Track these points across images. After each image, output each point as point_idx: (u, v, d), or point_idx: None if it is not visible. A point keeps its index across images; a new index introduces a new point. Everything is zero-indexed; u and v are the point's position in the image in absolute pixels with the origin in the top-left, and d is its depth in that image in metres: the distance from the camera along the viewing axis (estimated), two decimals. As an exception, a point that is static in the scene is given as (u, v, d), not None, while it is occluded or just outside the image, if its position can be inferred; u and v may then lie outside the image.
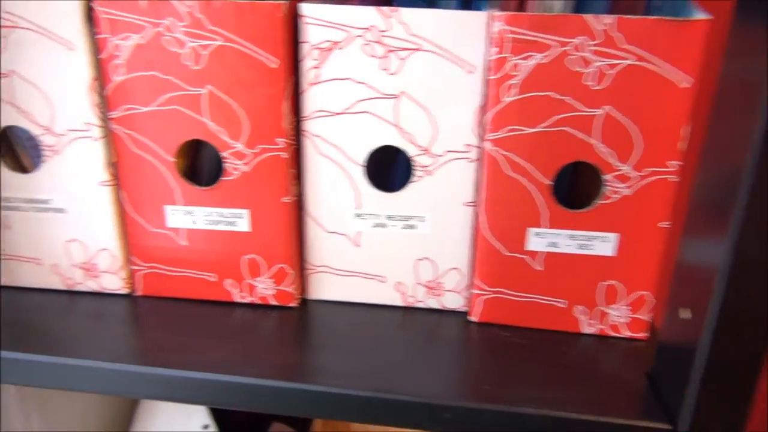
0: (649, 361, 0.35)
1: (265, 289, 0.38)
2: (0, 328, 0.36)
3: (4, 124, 0.35)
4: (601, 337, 0.37)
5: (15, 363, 0.34)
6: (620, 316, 0.36)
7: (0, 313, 0.37)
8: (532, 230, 0.34)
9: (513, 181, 0.33)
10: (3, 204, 0.37)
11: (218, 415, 0.58)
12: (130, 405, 0.64)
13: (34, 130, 0.35)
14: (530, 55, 0.30)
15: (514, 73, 0.31)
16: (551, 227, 0.34)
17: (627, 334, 0.37)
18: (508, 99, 0.31)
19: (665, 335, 0.32)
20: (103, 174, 0.36)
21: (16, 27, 0.33)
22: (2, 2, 0.32)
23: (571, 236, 0.34)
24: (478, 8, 0.33)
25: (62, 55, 0.33)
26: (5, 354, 0.34)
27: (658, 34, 0.29)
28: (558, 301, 0.36)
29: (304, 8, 0.32)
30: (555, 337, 0.37)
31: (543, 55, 0.30)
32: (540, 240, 0.35)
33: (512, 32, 0.30)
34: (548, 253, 0.35)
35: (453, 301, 0.39)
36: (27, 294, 0.40)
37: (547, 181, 0.33)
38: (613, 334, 0.37)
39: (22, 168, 0.37)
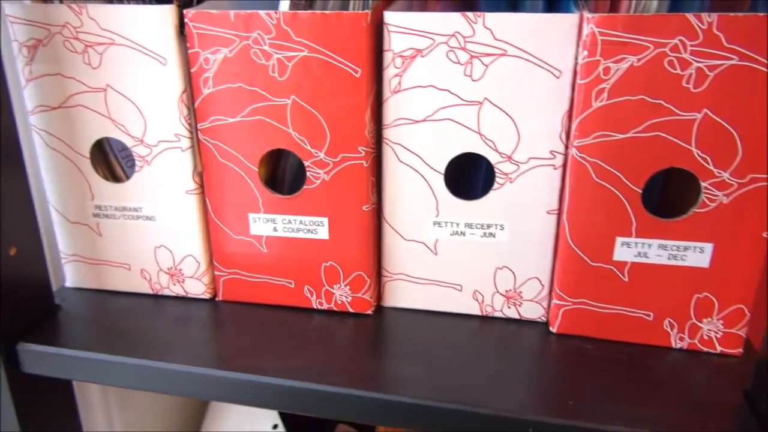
0: (744, 378, 0.33)
1: (342, 296, 0.39)
2: (83, 329, 0.38)
3: (99, 135, 0.37)
4: (691, 352, 0.35)
5: (102, 364, 0.36)
6: (713, 331, 0.35)
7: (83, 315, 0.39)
8: (620, 240, 0.33)
9: (601, 189, 0.32)
10: (96, 212, 0.39)
11: (286, 414, 0.59)
12: (203, 403, 0.66)
13: (128, 142, 0.37)
14: (623, 58, 0.29)
15: (606, 77, 0.30)
16: (640, 237, 0.33)
17: (720, 349, 0.35)
18: (598, 104, 0.30)
19: (766, 351, 0.30)
20: (190, 183, 0.37)
21: (113, 44, 0.34)
22: (100, 20, 0.34)
23: (661, 246, 0.33)
24: (565, 9, 0.32)
25: (155, 69, 0.34)
26: (94, 355, 0.36)
27: (763, 31, 0.28)
28: (645, 314, 0.35)
29: (389, 16, 0.32)
30: (641, 351, 0.35)
31: (637, 57, 0.29)
32: (628, 250, 0.33)
33: (605, 34, 0.29)
34: (636, 263, 0.34)
35: (532, 311, 0.38)
36: (115, 297, 0.41)
37: (638, 189, 0.32)
38: (704, 349, 0.35)
39: (114, 177, 0.39)
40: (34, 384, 0.38)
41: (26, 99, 0.37)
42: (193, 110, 0.36)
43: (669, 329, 0.35)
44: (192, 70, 0.34)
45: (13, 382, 0.37)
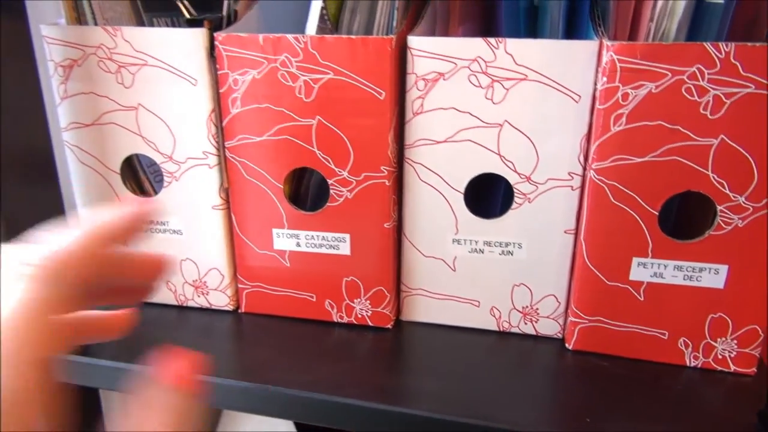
0: (758, 397, 0.34)
1: (362, 310, 0.40)
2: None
3: (130, 152, 0.38)
4: (705, 371, 0.36)
5: (129, 373, 0.37)
6: (727, 350, 0.35)
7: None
8: (637, 260, 0.34)
9: (618, 210, 0.33)
10: (124, 224, 0.40)
11: (302, 424, 0.60)
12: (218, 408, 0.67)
13: (157, 158, 0.38)
14: (642, 84, 0.30)
15: (624, 103, 0.31)
16: (656, 257, 0.34)
17: (733, 368, 0.35)
18: (616, 128, 0.31)
19: (782, 373, 0.31)
20: (216, 199, 0.38)
21: (145, 64, 0.36)
22: (134, 42, 0.35)
23: (677, 267, 0.33)
24: (584, 33, 0.33)
25: (186, 89, 0.36)
26: (121, 365, 0.37)
27: (778, 62, 0.29)
28: (660, 333, 0.35)
29: (413, 41, 0.33)
30: (656, 369, 0.36)
31: (656, 84, 0.30)
32: (644, 270, 0.34)
33: (624, 62, 0.30)
34: (652, 283, 0.34)
35: (548, 328, 0.38)
36: (143, 309, 0.43)
37: (654, 211, 0.33)
38: (718, 368, 0.36)
39: (142, 192, 0.40)
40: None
41: (60, 116, 0.38)
42: (221, 129, 0.37)
43: (684, 348, 0.35)
44: (221, 91, 0.36)
45: (44, 389, 0.38)
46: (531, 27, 0.37)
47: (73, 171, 0.40)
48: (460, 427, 0.32)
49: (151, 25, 0.40)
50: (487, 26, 0.39)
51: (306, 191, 0.40)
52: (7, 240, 0.34)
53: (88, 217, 0.21)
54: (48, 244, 0.20)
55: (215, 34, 0.34)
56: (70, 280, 0.20)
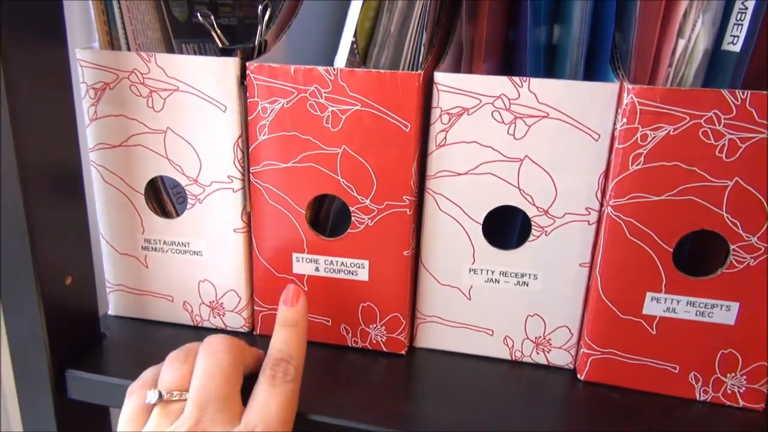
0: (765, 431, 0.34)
1: (377, 335, 0.40)
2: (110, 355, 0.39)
3: (155, 174, 0.39)
4: (714, 405, 0.37)
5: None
6: (736, 386, 0.36)
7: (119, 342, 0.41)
8: (650, 294, 0.35)
9: (633, 246, 0.34)
10: (145, 245, 0.41)
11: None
12: None
13: (183, 181, 0.39)
14: (660, 127, 0.31)
15: (643, 143, 0.32)
16: (670, 293, 0.35)
17: (742, 404, 0.36)
18: (634, 167, 0.33)
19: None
20: (238, 222, 0.39)
21: (177, 90, 0.37)
22: (167, 68, 0.36)
23: (690, 303, 0.34)
24: (604, 75, 0.34)
25: (215, 115, 0.37)
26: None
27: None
28: (671, 366, 0.36)
29: (439, 77, 0.34)
30: (666, 402, 0.37)
31: (674, 126, 0.31)
32: (657, 305, 0.35)
33: (644, 104, 0.31)
34: (664, 318, 0.35)
35: (560, 358, 0.39)
36: (157, 327, 0.43)
37: (669, 248, 0.34)
38: (727, 402, 0.36)
39: (164, 213, 0.41)
40: (76, 409, 0.40)
41: (88, 137, 0.39)
42: (247, 154, 0.38)
43: (694, 382, 0.36)
44: (249, 118, 0.36)
45: (58, 407, 0.38)
46: (549, 65, 0.39)
47: (97, 190, 0.40)
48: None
49: (180, 50, 0.41)
50: (508, 63, 0.41)
51: (326, 217, 0.40)
52: (33, 255, 0.35)
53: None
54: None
55: (247, 64, 0.35)
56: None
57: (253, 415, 0.32)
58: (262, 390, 0.33)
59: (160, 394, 0.31)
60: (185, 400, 0.31)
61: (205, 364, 0.32)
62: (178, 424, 0.30)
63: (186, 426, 0.30)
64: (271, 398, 0.32)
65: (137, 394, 0.33)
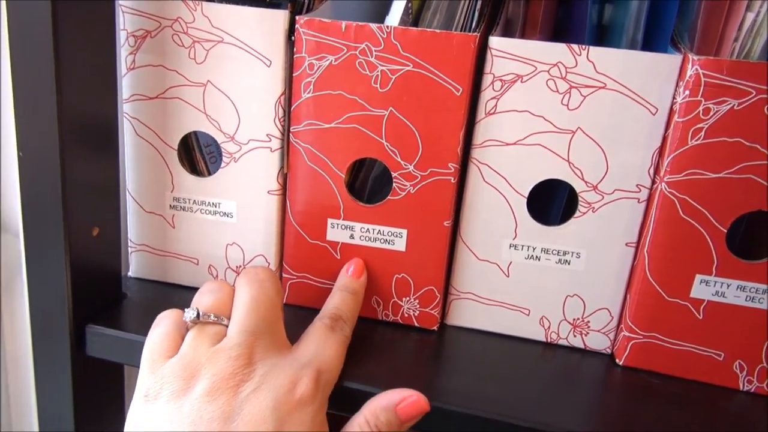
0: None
1: (409, 309, 0.39)
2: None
3: (191, 129, 0.38)
4: (758, 396, 0.35)
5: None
6: (780, 377, 0.35)
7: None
8: (699, 277, 0.34)
9: (686, 225, 0.33)
10: (173, 203, 0.39)
11: None
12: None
13: (219, 138, 0.37)
14: (725, 101, 0.30)
15: (705, 118, 0.31)
16: (720, 276, 0.33)
17: (786, 396, 0.35)
18: (693, 142, 0.32)
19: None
20: (274, 183, 0.38)
21: (221, 42, 0.35)
22: (213, 18, 0.35)
23: (740, 287, 0.33)
24: (663, 50, 0.33)
25: (258, 70, 0.36)
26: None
27: None
28: (716, 353, 0.35)
29: (495, 42, 0.33)
30: (708, 391, 0.36)
31: (738, 101, 0.30)
32: (706, 288, 0.34)
33: (709, 76, 0.30)
34: (712, 302, 0.34)
35: (598, 342, 0.38)
36: (178, 291, 0.41)
37: (723, 228, 0.33)
38: (770, 394, 0.35)
39: (195, 172, 0.40)
40: (92, 367, 0.38)
41: (124, 87, 0.38)
42: (288, 113, 0.36)
43: (738, 371, 0.35)
44: (295, 74, 0.35)
45: (76, 364, 0.36)
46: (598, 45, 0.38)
47: (128, 144, 0.39)
48: (516, 430, 0.31)
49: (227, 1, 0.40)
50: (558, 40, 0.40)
51: (363, 184, 0.39)
52: (63, 202, 0.33)
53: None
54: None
55: (297, 18, 0.34)
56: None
57: (307, 352, 0.31)
58: (318, 333, 0.32)
59: (198, 313, 0.30)
60: (224, 325, 0.30)
61: (251, 291, 0.31)
62: (223, 347, 0.29)
63: (237, 350, 0.28)
64: (327, 341, 0.31)
65: (168, 318, 0.31)
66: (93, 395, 0.39)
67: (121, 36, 0.37)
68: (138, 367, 0.31)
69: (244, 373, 0.29)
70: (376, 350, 0.37)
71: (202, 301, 0.32)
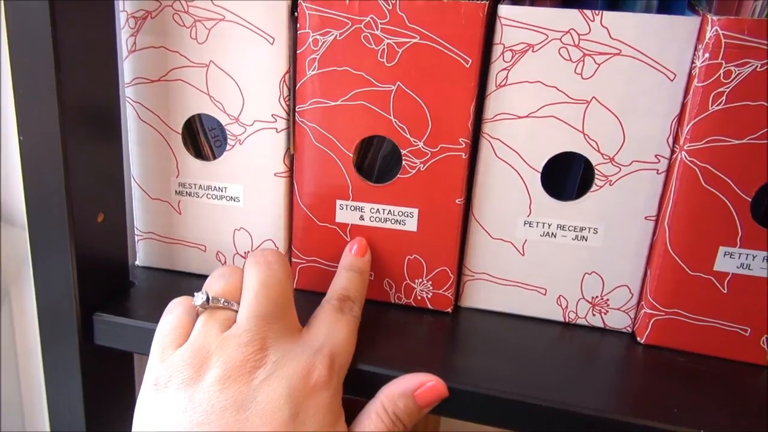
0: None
1: (422, 291, 0.38)
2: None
3: (195, 111, 0.37)
4: (785, 373, 0.34)
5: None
6: (809, 352, 0.34)
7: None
8: (723, 249, 0.33)
9: (708, 195, 0.32)
10: (179, 189, 0.39)
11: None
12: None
13: (223, 120, 0.37)
14: (747, 62, 0.29)
15: (726, 81, 0.30)
16: (745, 247, 0.32)
17: (815, 372, 0.34)
18: (715, 107, 0.30)
19: None
20: (280, 165, 0.37)
21: (222, 20, 0.35)
22: (213, -4, 0.34)
23: (767, 259, 0.32)
24: (679, 12, 0.32)
25: (261, 48, 0.35)
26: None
27: None
28: (741, 329, 0.34)
29: (503, 10, 0.32)
30: (735, 368, 0.34)
31: (761, 62, 0.29)
32: (731, 261, 0.33)
33: (729, 37, 0.29)
34: (737, 275, 0.33)
35: (618, 321, 0.37)
36: (186, 279, 0.41)
37: (747, 197, 0.31)
38: (799, 370, 0.34)
39: (200, 157, 0.39)
40: (101, 356, 0.37)
41: (126, 70, 0.37)
42: (293, 91, 0.36)
43: (765, 347, 0.34)
44: (299, 51, 0.34)
45: (84, 353, 0.36)
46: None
47: (131, 129, 0.38)
48: (540, 410, 0.30)
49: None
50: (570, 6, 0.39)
51: (370, 164, 0.38)
52: (66, 189, 0.33)
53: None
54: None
55: (299, -8, 0.33)
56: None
57: (318, 336, 0.30)
58: (327, 316, 0.31)
59: (208, 297, 0.29)
60: (234, 310, 0.29)
61: (259, 275, 0.30)
62: (234, 334, 0.28)
63: (246, 336, 0.28)
64: (337, 324, 0.31)
65: (180, 305, 0.31)
66: (103, 384, 0.38)
67: (121, 18, 0.36)
68: (147, 355, 0.31)
69: (255, 360, 0.28)
70: (390, 333, 0.36)
71: (212, 286, 0.31)
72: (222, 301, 0.30)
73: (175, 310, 0.31)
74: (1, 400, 0.53)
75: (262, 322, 0.29)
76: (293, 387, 0.27)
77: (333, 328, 0.31)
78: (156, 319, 0.33)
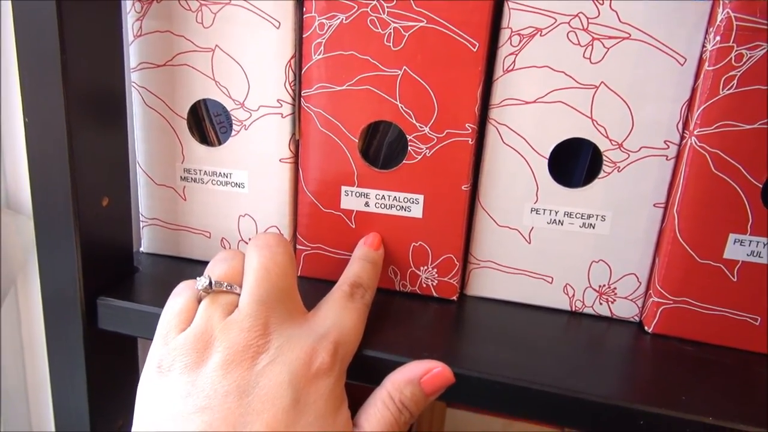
0: None
1: (428, 279, 0.38)
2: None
3: (200, 96, 0.37)
4: (795, 364, 0.34)
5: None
6: (820, 342, 0.33)
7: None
8: (733, 236, 0.32)
9: (718, 181, 0.31)
10: (184, 175, 0.39)
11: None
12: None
13: (229, 105, 0.36)
14: (758, 45, 0.29)
15: (737, 64, 0.29)
16: (756, 234, 0.32)
17: (825, 363, 0.33)
18: (725, 92, 0.30)
19: None
20: (286, 151, 0.37)
21: (228, 3, 0.34)
22: (219, -20, 0.34)
23: (777, 245, 0.32)
24: None
25: (267, 32, 0.34)
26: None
27: None
28: (751, 318, 0.33)
29: (512, -7, 0.32)
30: (744, 357, 0.34)
31: (774, 45, 0.29)
32: (741, 248, 0.32)
33: (741, 20, 0.29)
34: (747, 263, 0.32)
35: (625, 310, 0.36)
36: (191, 265, 0.41)
37: (758, 183, 0.31)
38: (809, 361, 0.34)
39: (205, 143, 0.39)
40: (105, 341, 0.37)
41: (132, 55, 0.37)
42: (299, 76, 0.35)
43: (775, 336, 0.33)
44: (304, 35, 0.34)
45: (88, 337, 0.36)
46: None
47: (137, 114, 0.38)
48: (545, 396, 0.30)
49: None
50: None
51: (376, 151, 0.38)
52: (71, 172, 0.33)
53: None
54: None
55: (305, -25, 0.33)
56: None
57: (325, 321, 0.30)
58: (337, 301, 0.31)
59: (211, 281, 0.29)
60: (236, 293, 0.29)
61: (260, 259, 0.30)
62: (236, 319, 0.28)
63: (248, 321, 0.27)
64: (346, 311, 0.30)
65: (187, 289, 0.31)
66: (106, 369, 0.38)
67: (128, 2, 0.36)
68: (151, 339, 0.31)
69: (258, 345, 0.28)
70: (395, 320, 0.36)
71: (214, 269, 0.31)
72: (225, 285, 0.30)
73: (183, 293, 0.31)
74: (7, 385, 0.53)
75: (264, 306, 0.29)
76: (295, 373, 0.27)
77: (341, 315, 0.31)
78: (160, 303, 0.32)
